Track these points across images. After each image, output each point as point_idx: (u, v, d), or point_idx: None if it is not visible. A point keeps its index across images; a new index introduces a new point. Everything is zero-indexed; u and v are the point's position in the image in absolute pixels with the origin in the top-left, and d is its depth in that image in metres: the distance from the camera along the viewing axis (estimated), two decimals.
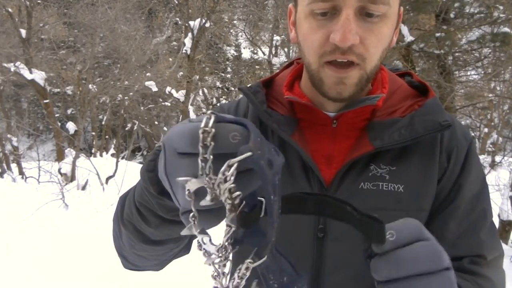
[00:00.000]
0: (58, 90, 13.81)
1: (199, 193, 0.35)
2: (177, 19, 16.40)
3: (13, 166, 8.11)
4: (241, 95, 0.79)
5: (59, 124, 10.50)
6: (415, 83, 0.74)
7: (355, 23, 0.56)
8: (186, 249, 0.70)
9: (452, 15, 6.40)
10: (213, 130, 0.34)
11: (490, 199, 0.70)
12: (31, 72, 8.35)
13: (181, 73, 13.09)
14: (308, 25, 0.60)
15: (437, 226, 0.65)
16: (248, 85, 0.76)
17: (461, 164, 0.66)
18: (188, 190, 0.35)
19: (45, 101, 8.72)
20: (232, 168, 0.33)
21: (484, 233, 0.66)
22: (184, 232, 0.38)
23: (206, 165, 0.34)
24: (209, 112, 0.35)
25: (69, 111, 15.45)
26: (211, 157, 0.34)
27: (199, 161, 0.34)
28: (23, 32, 8.73)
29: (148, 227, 0.57)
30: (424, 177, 0.65)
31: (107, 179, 7.00)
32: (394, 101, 0.70)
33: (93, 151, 11.37)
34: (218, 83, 20.26)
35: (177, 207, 0.49)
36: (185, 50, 10.76)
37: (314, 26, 0.60)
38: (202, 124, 0.34)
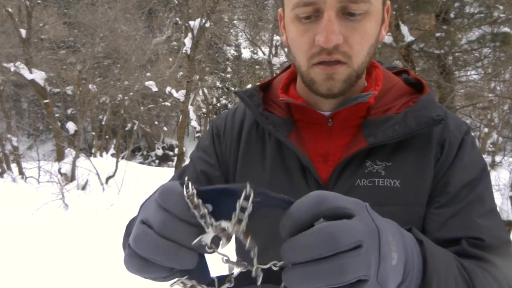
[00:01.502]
0: (58, 90, 13.84)
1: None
2: (177, 19, 16.41)
3: (13, 166, 8.11)
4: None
5: (59, 124, 10.49)
6: (411, 80, 0.75)
7: (338, 23, 0.58)
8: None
9: (452, 15, 6.41)
10: (195, 191, 0.38)
11: (492, 189, 0.68)
12: (31, 72, 8.35)
13: (181, 73, 13.10)
14: (295, 29, 0.63)
15: (428, 211, 0.65)
16: (244, 89, 0.78)
17: (454, 154, 0.67)
18: (206, 244, 0.38)
19: (45, 101, 8.72)
20: (247, 212, 0.38)
21: (480, 217, 0.63)
22: (232, 270, 0.43)
23: (206, 220, 0.38)
24: (186, 179, 0.40)
25: (69, 111, 15.48)
26: (206, 211, 0.38)
27: (200, 220, 0.38)
28: (23, 32, 8.73)
29: None
30: (420, 171, 0.66)
31: (107, 179, 7.01)
32: (388, 98, 0.71)
33: (93, 151, 11.39)
34: (218, 83, 20.29)
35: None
36: (185, 50, 10.75)
37: (300, 30, 0.62)
38: (185, 192, 0.39)
